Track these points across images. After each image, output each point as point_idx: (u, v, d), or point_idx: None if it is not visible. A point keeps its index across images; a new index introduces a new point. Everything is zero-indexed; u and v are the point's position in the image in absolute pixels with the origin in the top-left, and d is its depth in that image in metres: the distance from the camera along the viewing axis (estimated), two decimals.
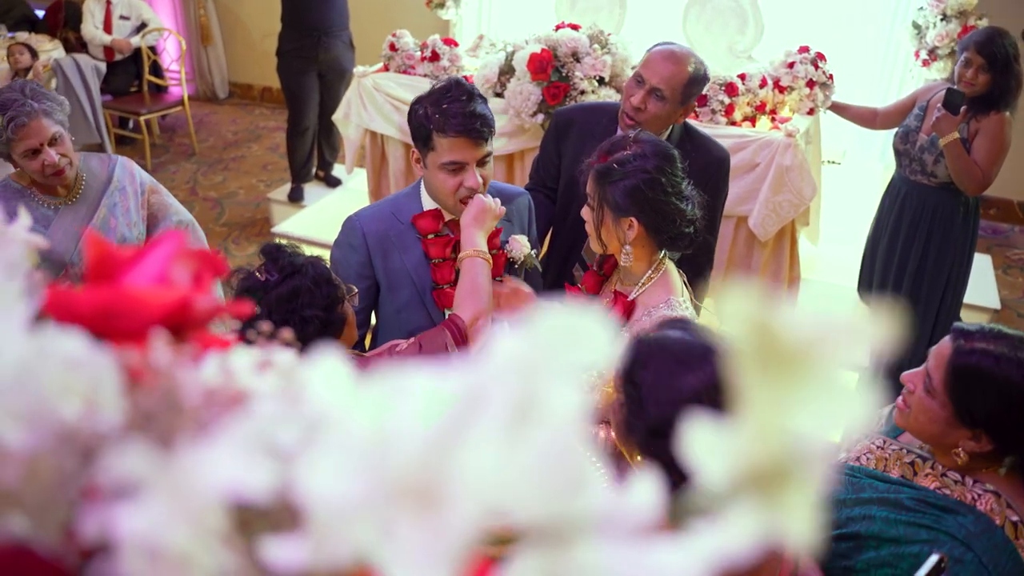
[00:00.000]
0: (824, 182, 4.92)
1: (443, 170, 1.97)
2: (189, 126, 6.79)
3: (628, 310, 1.90)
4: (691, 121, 2.68)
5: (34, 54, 5.67)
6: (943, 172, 3.40)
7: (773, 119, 3.62)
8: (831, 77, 3.70)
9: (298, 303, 1.64)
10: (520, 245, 2.17)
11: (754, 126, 3.58)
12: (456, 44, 4.13)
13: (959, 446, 1.40)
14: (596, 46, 3.63)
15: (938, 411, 1.41)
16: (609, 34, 3.83)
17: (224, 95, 8.02)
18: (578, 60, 3.62)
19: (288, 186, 5.51)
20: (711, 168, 2.50)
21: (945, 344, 1.43)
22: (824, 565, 1.56)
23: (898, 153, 3.59)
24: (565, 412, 0.28)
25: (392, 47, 4.12)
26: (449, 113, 1.92)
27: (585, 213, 1.93)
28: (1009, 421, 1.35)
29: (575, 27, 3.83)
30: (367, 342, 2.30)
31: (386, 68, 4.18)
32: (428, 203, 2.10)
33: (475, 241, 1.94)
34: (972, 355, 1.37)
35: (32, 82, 2.40)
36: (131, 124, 6.64)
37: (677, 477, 1.19)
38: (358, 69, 4.20)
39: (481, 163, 1.98)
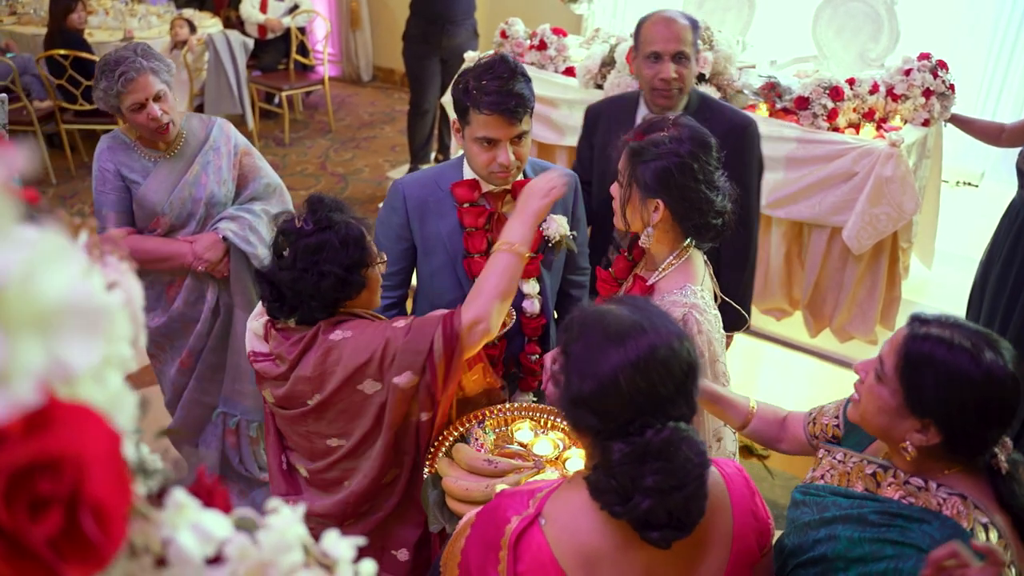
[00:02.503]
0: (953, 203, 4.61)
1: (477, 144, 2.02)
2: (328, 105, 7.15)
3: (646, 294, 1.88)
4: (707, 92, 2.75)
5: (192, 29, 6.15)
6: None
7: (879, 127, 3.42)
8: (952, 88, 3.46)
9: (321, 256, 1.73)
10: (557, 225, 2.18)
11: (858, 133, 3.39)
12: (565, 34, 4.15)
13: (906, 439, 1.32)
14: (699, 42, 3.55)
15: (888, 399, 1.34)
16: (716, 30, 3.73)
17: (368, 78, 8.39)
18: None
19: (407, 166, 5.72)
20: (733, 134, 2.47)
21: (901, 330, 1.36)
22: None
23: (1020, 173, 3.31)
24: None
25: (503, 34, 4.20)
26: (486, 90, 1.96)
27: (613, 189, 1.92)
28: (957, 411, 1.27)
29: None
30: (408, 305, 2.38)
31: (497, 54, 4.25)
32: (469, 173, 2.16)
33: (521, 230, 1.81)
34: (926, 341, 1.29)
35: (143, 43, 2.62)
36: (276, 99, 7.07)
37: (595, 451, 1.19)
38: (469, 54, 4.30)
39: (516, 140, 2.01)
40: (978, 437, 1.31)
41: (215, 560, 0.65)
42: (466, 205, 2.13)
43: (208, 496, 0.68)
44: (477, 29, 5.43)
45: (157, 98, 2.50)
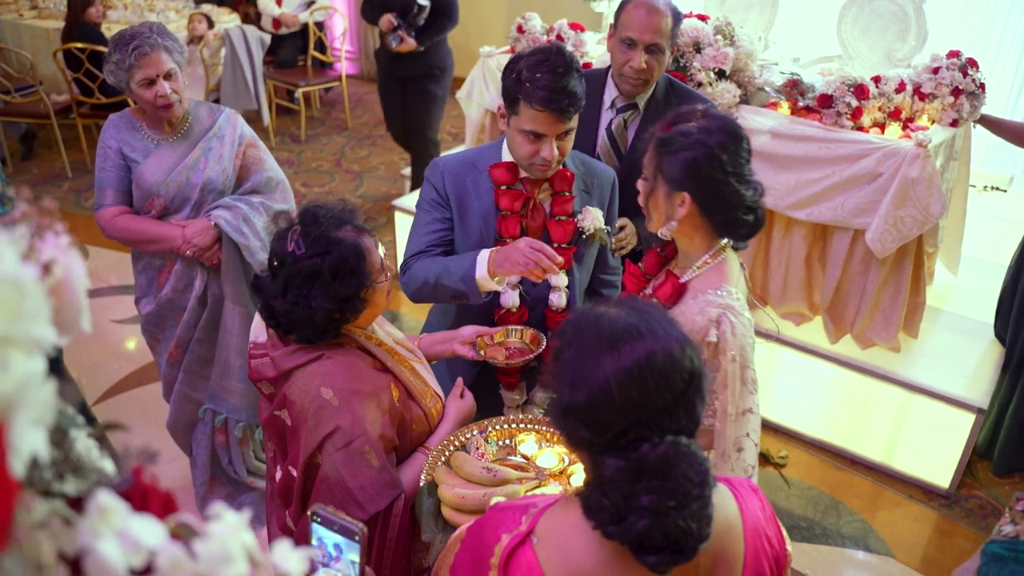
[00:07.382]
0: (980, 208, 4.47)
1: (522, 135, 1.99)
2: (345, 102, 7.11)
3: (678, 292, 1.80)
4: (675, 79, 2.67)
5: (210, 24, 6.12)
6: None
7: (906, 127, 3.31)
8: (982, 87, 3.33)
9: (312, 290, 1.60)
10: (592, 217, 2.14)
11: (883, 133, 3.28)
12: (583, 29, 4.06)
13: None
14: (720, 37, 3.46)
15: None
16: (738, 26, 3.63)
17: None
18: (699, 51, 3.47)
19: None
20: None
21: None
22: None
23: None
24: None
25: (520, 29, 4.12)
26: (539, 84, 1.91)
27: (640, 184, 1.84)
28: None
29: (703, 18, 3.67)
30: None
31: (512, 50, 4.18)
32: (508, 156, 2.13)
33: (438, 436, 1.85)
34: None
35: (158, 23, 2.60)
36: (294, 96, 7.03)
37: (589, 467, 1.10)
38: (484, 49, 4.23)
39: (562, 136, 1.99)
40: None
41: (145, 572, 0.58)
42: (503, 188, 2.08)
43: (142, 499, 0.61)
44: (443, 60, 5.08)
45: (168, 76, 2.50)
